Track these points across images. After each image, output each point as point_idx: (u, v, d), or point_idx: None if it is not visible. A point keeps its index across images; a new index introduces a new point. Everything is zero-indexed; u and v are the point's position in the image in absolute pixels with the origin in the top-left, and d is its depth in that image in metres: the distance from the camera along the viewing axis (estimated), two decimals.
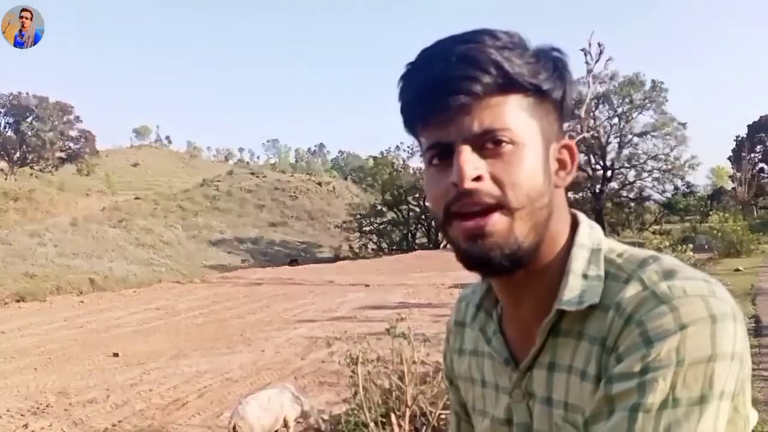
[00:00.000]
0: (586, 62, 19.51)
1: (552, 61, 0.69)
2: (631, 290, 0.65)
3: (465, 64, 0.64)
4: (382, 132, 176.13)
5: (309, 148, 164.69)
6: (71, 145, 64.91)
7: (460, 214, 0.66)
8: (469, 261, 0.68)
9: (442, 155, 0.67)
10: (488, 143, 0.65)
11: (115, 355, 10.32)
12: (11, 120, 60.70)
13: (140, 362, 9.76)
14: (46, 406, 7.67)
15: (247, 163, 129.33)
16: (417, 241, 42.46)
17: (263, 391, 6.02)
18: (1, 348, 11.22)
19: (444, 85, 0.64)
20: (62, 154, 63.92)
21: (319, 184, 57.42)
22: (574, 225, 0.75)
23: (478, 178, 0.65)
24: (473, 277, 0.76)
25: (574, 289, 0.69)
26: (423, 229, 43.38)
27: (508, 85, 0.65)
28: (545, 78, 0.67)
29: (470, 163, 0.64)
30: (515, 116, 0.66)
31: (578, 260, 0.71)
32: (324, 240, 44.20)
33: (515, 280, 0.71)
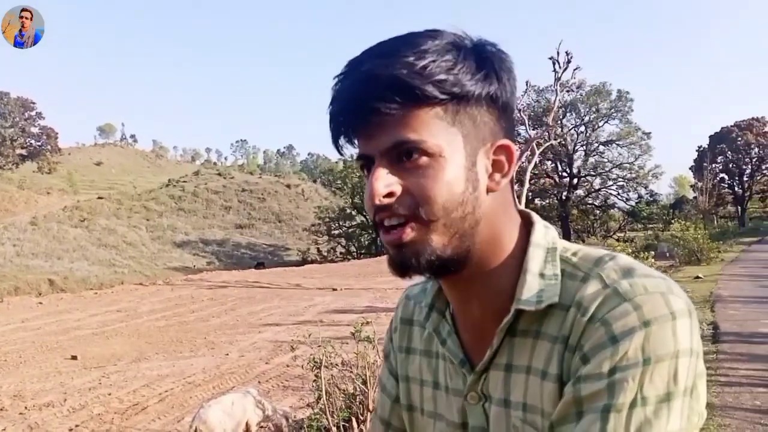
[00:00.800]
0: (554, 71, 19.85)
1: (482, 60, 0.67)
2: (592, 288, 0.65)
3: (376, 83, 0.64)
4: None
5: (278, 150, 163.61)
6: (32, 142, 63.35)
7: (382, 225, 0.68)
8: (393, 268, 0.69)
9: (367, 167, 0.69)
10: (403, 156, 0.66)
11: (74, 357, 10.04)
12: None
13: (99, 365, 9.52)
14: (1, 409, 7.42)
15: (215, 163, 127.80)
16: None
17: (226, 396, 5.91)
18: None
19: (359, 104, 0.65)
20: (23, 151, 62.30)
21: (288, 186, 57.08)
22: (528, 224, 0.74)
23: (389, 195, 0.66)
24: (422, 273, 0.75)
25: (532, 289, 0.68)
26: None
27: (421, 99, 0.64)
28: (469, 81, 0.66)
29: (381, 180, 0.66)
30: (431, 127, 0.65)
31: (535, 260, 0.70)
32: (291, 243, 43.93)
33: (462, 281, 0.71)
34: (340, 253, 40.90)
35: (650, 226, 41.46)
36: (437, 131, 0.65)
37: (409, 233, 0.66)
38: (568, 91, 31.73)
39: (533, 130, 23.34)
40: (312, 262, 35.64)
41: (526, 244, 0.72)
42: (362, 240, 42.68)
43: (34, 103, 62.66)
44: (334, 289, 19.26)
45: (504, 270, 0.71)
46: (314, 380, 4.87)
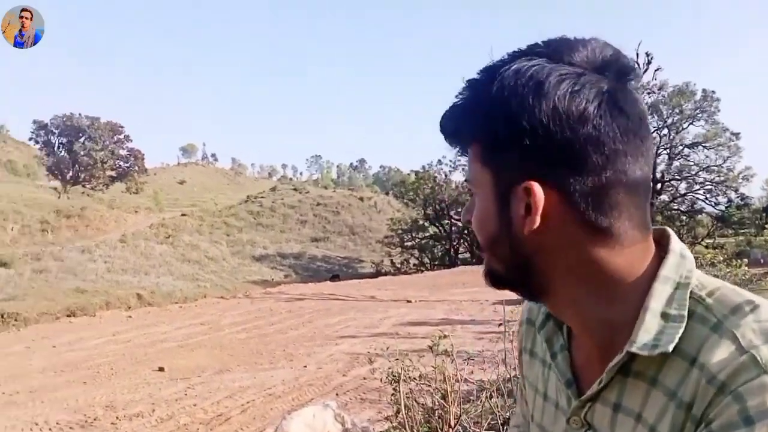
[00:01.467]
0: None
1: (514, 99, 0.62)
2: (724, 348, 0.58)
3: (441, 124, 0.70)
4: (423, 146, 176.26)
5: (351, 164, 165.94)
6: (121, 163, 67.03)
7: None
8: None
9: None
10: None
11: (161, 369, 10.43)
12: (65, 140, 63.15)
13: (185, 377, 9.84)
14: (94, 419, 7.78)
15: (290, 179, 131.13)
16: (459, 256, 42.07)
17: (307, 408, 5.95)
18: (52, 362, 11.49)
19: (444, 130, 0.72)
20: (113, 173, 66.04)
21: (361, 199, 57.67)
22: (664, 251, 0.67)
23: (468, 223, 0.73)
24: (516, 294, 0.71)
25: (649, 330, 0.62)
26: (466, 244, 42.96)
27: (465, 140, 0.69)
28: (500, 123, 0.63)
29: (465, 209, 0.74)
30: (473, 166, 0.69)
31: (658, 297, 0.64)
32: (365, 255, 44.27)
33: (554, 308, 0.72)
34: (414, 264, 40.83)
35: (742, 231, 39.08)
36: (476, 170, 0.68)
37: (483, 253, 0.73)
38: (649, 93, 30.51)
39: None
40: (386, 273, 35.75)
41: (653, 276, 0.65)
42: (435, 251, 42.47)
43: (122, 126, 66.42)
44: (409, 301, 19.19)
45: (619, 304, 0.65)
46: (392, 394, 4.80)
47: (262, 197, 56.31)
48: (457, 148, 0.71)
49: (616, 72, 0.64)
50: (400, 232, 42.44)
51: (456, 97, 0.68)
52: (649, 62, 18.63)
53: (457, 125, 0.69)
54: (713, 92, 35.30)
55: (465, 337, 11.33)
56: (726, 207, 37.75)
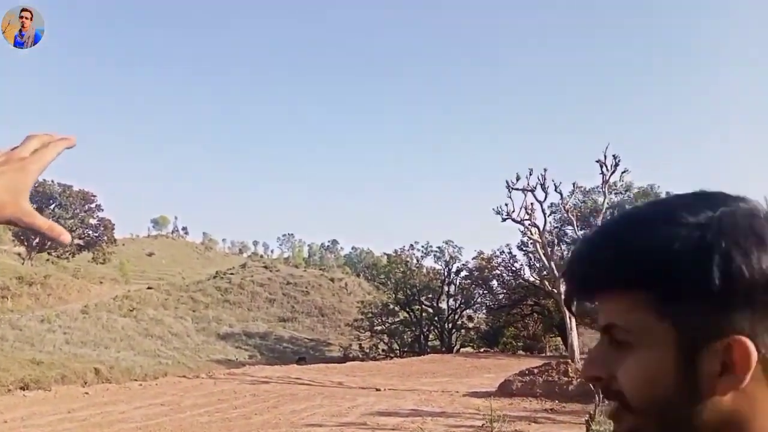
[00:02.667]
0: (602, 173, 20.05)
1: (736, 243, 0.56)
2: None
3: (599, 258, 0.60)
4: (397, 230, 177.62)
5: (323, 244, 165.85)
6: (90, 232, 65.98)
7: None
8: None
9: None
10: (612, 339, 0.60)
11: None
12: (35, 206, 61.35)
13: None
14: None
15: (261, 256, 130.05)
16: (429, 343, 41.65)
17: None
18: None
19: (586, 276, 0.62)
20: (80, 242, 64.84)
21: (332, 279, 57.27)
22: None
23: (595, 379, 0.61)
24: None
25: None
26: (436, 331, 42.65)
27: (629, 282, 0.58)
28: (685, 270, 0.56)
29: (590, 359, 0.62)
30: (633, 314, 0.58)
31: None
32: (333, 338, 43.52)
33: None
34: (383, 350, 40.20)
35: None
36: (641, 318, 0.58)
37: (621, 417, 0.60)
38: (616, 194, 31.70)
39: (581, 230, 23.17)
40: (354, 358, 35.08)
41: None
42: (405, 337, 41.97)
43: (94, 195, 65.87)
44: (378, 389, 18.81)
45: None
46: None
47: (231, 273, 55.57)
48: (596, 294, 0.61)
49: None
50: (370, 315, 42.00)
51: (609, 234, 0.62)
52: (616, 164, 19.50)
53: (623, 267, 0.58)
54: None
55: (436, 430, 11.13)
56: None
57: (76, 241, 64.09)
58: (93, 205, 65.54)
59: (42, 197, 61.71)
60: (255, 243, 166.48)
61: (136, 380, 21.30)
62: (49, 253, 60.50)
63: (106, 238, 66.57)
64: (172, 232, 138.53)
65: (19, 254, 56.29)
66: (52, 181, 63.29)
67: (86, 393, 17.63)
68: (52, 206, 61.62)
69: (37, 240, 60.73)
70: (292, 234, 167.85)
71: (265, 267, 60.04)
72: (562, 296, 0.68)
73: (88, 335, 28.77)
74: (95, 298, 38.84)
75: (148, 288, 47.04)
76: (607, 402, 0.62)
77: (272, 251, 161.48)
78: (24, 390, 17.33)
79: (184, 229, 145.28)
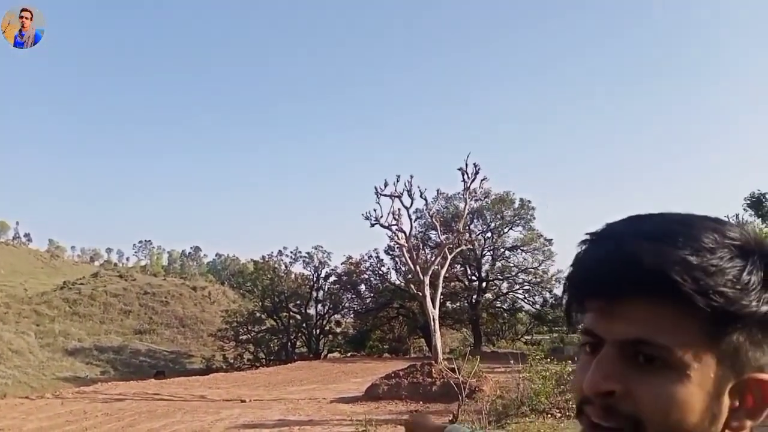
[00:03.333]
0: (463, 180, 21.00)
1: (759, 276, 0.54)
2: None
3: (636, 269, 0.54)
4: (264, 236, 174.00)
5: (183, 251, 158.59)
6: None
7: (588, 418, 0.57)
8: None
9: (593, 347, 0.59)
10: (640, 356, 0.54)
11: None
12: None
13: None
14: None
15: (115, 264, 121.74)
16: (297, 350, 41.18)
17: None
18: None
19: (610, 282, 0.55)
20: None
21: (194, 288, 54.98)
22: None
23: (608, 393, 0.55)
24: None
25: None
26: (303, 337, 42.28)
27: (685, 303, 0.53)
28: (749, 299, 0.53)
29: (603, 371, 0.55)
30: (686, 337, 0.53)
31: None
32: (195, 349, 41.75)
33: None
34: (248, 360, 39.12)
35: (555, 329, 42.90)
36: (692, 344, 0.53)
37: None
38: (476, 201, 33.35)
39: (444, 235, 24.06)
40: (217, 370, 33.77)
41: None
42: (272, 346, 41.17)
43: None
44: (243, 401, 18.21)
45: None
46: None
47: (81, 284, 51.45)
48: (618, 299, 0.55)
49: None
50: (235, 324, 40.69)
51: (651, 236, 0.55)
52: (476, 172, 20.50)
53: (690, 283, 0.52)
54: (529, 201, 39.56)
55: None
56: (542, 306, 41.35)
57: None
58: None
59: None
60: (108, 250, 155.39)
61: None
62: None
63: None
64: (13, 238, 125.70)
65: None
66: None
67: None
68: None
69: None
70: (149, 241, 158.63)
71: (120, 276, 56.31)
72: (565, 298, 0.61)
73: None
74: None
75: None
76: (593, 419, 0.56)
77: (128, 259, 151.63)
78: None
79: (26, 235, 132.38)
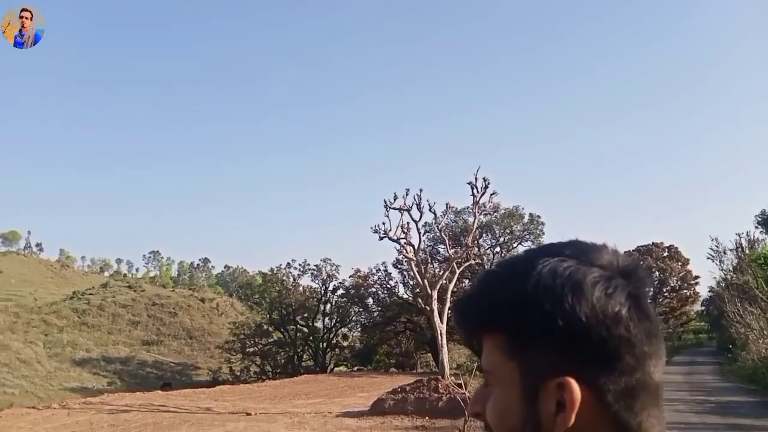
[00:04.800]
0: (473, 194, 20.93)
1: (551, 296, 0.65)
2: None
3: (461, 309, 0.72)
4: (274, 249, 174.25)
5: (192, 262, 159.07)
6: None
7: None
8: None
9: None
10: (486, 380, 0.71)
11: None
12: None
13: None
14: None
15: (125, 275, 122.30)
16: (303, 363, 41.04)
17: None
18: None
19: (462, 328, 0.73)
20: None
21: (202, 300, 55.10)
22: None
23: (477, 415, 0.71)
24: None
25: None
26: (310, 351, 42.14)
27: (487, 329, 0.69)
28: (536, 318, 0.65)
29: (475, 399, 0.71)
30: (492, 356, 0.68)
31: None
32: (202, 361, 41.72)
33: None
34: (254, 372, 39.02)
35: None
36: (494, 361, 0.68)
37: None
38: (485, 215, 33.32)
39: (452, 249, 23.97)
40: (223, 382, 33.74)
41: None
42: (278, 358, 41.06)
43: None
44: (248, 414, 18.13)
45: None
46: None
47: (90, 294, 51.72)
48: (473, 337, 0.71)
49: (637, 278, 0.67)
50: (242, 336, 40.65)
51: (476, 286, 0.72)
52: (486, 186, 20.44)
53: (481, 314, 0.69)
54: (539, 216, 39.44)
55: None
56: None
57: None
58: None
59: None
60: (118, 261, 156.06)
61: None
62: None
63: None
64: (24, 248, 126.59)
65: None
66: None
67: None
68: None
69: None
70: (158, 251, 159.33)
71: (129, 287, 56.56)
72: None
73: None
74: None
75: None
76: None
77: (137, 270, 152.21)
78: None
79: (38, 245, 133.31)
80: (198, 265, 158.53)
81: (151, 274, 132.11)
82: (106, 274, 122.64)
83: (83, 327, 42.66)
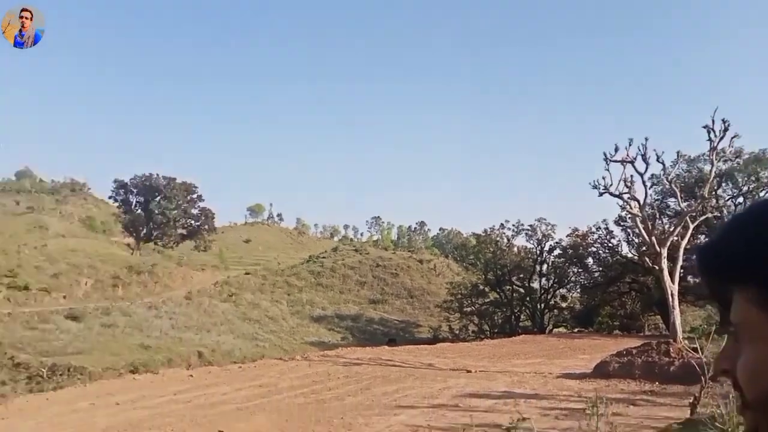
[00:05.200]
0: (709, 139, 18.60)
1: None
2: None
3: (707, 260, 0.66)
4: (487, 210, 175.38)
5: (410, 226, 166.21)
6: (192, 222, 69.55)
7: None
8: None
9: None
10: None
11: None
12: (142, 199, 66.38)
13: None
14: None
15: (351, 239, 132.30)
16: (521, 324, 40.87)
17: None
18: (117, 420, 11.68)
19: (710, 274, 0.67)
20: (183, 231, 68.50)
21: (420, 261, 57.36)
22: None
23: (724, 372, 0.66)
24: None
25: None
26: (527, 311, 41.77)
27: (736, 278, 0.63)
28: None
29: (723, 355, 0.66)
30: (744, 309, 0.62)
31: None
32: (423, 319, 43.63)
33: None
34: (472, 331, 39.85)
35: None
36: (751, 315, 0.61)
37: (743, 413, 0.64)
38: (725, 161, 29.56)
39: (685, 202, 21.73)
40: (443, 339, 35.00)
41: None
42: (495, 318, 41.39)
43: (196, 187, 69.27)
44: (468, 371, 18.65)
45: None
46: None
47: (323, 257, 56.90)
48: (720, 289, 0.64)
49: None
50: (459, 296, 41.70)
51: (724, 235, 0.65)
52: (725, 129, 18.02)
53: (731, 265, 0.62)
54: None
55: (529, 413, 10.82)
56: None
57: (180, 230, 67.86)
58: (195, 196, 68.98)
59: (148, 190, 65.69)
60: (345, 227, 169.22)
61: (235, 363, 22.31)
62: (155, 243, 64.41)
63: (207, 227, 69.95)
64: (268, 218, 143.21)
65: (128, 245, 60.23)
66: (157, 175, 67.23)
67: (190, 375, 18.63)
68: (157, 198, 65.45)
69: (144, 231, 64.86)
70: (379, 217, 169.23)
71: (356, 250, 60.99)
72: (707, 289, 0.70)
73: (191, 320, 30.37)
74: (197, 285, 40.96)
75: (246, 273, 49.07)
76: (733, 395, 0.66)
77: (362, 234, 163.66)
78: (134, 373, 18.55)
79: (279, 215, 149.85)
80: (415, 228, 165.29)
81: (374, 238, 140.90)
82: (335, 239, 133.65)
83: (318, 287, 47.21)
